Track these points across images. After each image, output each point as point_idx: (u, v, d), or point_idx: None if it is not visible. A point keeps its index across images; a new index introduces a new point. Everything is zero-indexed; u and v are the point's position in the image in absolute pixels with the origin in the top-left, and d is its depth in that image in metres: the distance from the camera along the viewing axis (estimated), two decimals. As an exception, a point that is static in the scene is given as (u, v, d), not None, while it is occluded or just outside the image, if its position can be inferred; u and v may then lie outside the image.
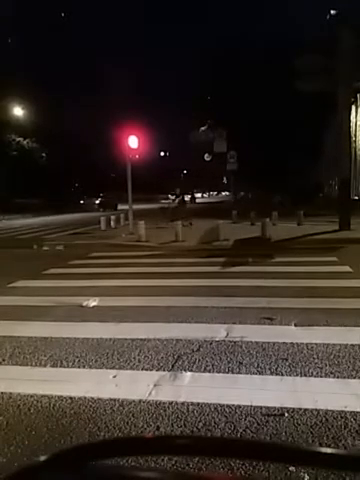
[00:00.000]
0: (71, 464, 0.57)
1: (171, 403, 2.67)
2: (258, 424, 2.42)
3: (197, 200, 57.78)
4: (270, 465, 2.01)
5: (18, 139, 34.61)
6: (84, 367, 3.35)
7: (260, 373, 3.09)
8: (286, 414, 2.49)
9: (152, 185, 51.95)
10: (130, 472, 0.60)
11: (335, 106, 11.75)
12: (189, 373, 3.14)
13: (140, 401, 2.72)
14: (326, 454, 0.54)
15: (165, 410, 2.60)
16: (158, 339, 3.84)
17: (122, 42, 68.20)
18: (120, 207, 32.34)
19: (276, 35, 35.14)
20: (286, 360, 3.28)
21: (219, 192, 76.26)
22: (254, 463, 2.03)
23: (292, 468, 1.97)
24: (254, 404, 2.60)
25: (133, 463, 1.71)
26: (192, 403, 2.66)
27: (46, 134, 34.54)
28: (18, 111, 31.41)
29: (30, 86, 31.72)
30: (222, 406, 2.61)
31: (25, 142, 35.24)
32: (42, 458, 0.57)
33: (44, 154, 37.79)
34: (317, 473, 1.94)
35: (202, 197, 65.41)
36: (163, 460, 2.05)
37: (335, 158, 12.73)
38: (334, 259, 7.76)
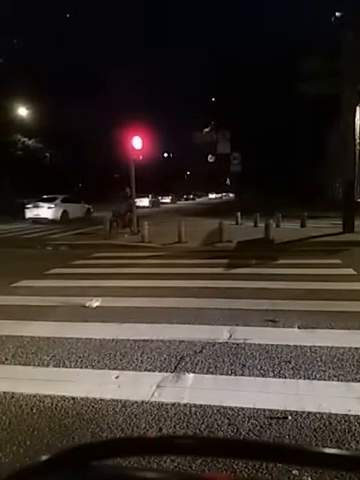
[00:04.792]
0: (72, 464, 0.57)
1: (174, 405, 2.66)
2: (261, 427, 2.40)
3: (199, 200, 58.32)
4: (273, 468, 2.00)
5: (23, 139, 34.71)
6: (86, 367, 3.34)
7: (263, 376, 3.08)
8: (289, 417, 2.47)
9: (156, 186, 52.02)
10: (131, 472, 0.60)
11: (339, 108, 11.71)
12: (192, 375, 3.13)
13: (142, 402, 2.71)
14: (330, 455, 0.54)
15: (168, 412, 2.60)
16: (161, 340, 3.83)
17: (126, 43, 68.41)
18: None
19: (279, 37, 35.12)
20: (289, 363, 3.27)
21: (226, 192, 77.74)
22: (257, 466, 2.01)
23: (295, 471, 1.96)
24: (257, 407, 2.59)
25: (135, 464, 1.71)
26: (195, 405, 2.65)
27: (50, 134, 34.63)
28: (23, 111, 31.53)
29: (34, 86, 31.84)
30: (225, 408, 2.60)
31: (30, 142, 35.33)
32: (43, 458, 0.57)
33: (48, 154, 37.90)
34: (321, 477, 1.93)
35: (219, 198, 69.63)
36: (166, 461, 2.04)
37: (339, 160, 12.69)
38: (338, 261, 7.74)
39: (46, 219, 18.85)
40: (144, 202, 34.86)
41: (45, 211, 19.06)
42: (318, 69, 11.25)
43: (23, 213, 19.66)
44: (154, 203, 37.08)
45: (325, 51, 11.88)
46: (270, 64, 34.74)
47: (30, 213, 19.47)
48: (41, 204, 19.35)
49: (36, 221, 18.88)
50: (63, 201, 19.87)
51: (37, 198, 20.42)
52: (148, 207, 34.39)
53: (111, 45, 51.68)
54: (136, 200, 23.64)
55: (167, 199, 44.94)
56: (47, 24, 39.18)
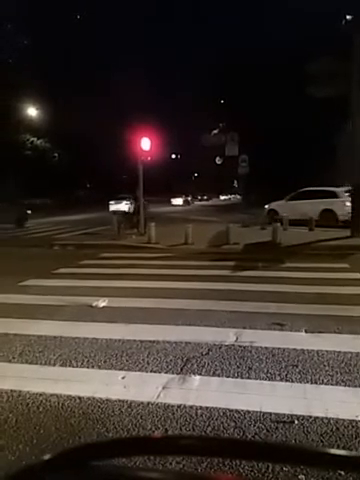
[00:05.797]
0: (74, 463, 0.57)
1: (180, 406, 2.66)
2: (267, 431, 2.39)
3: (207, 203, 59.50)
4: (279, 472, 1.98)
5: (32, 139, 34.96)
6: (93, 367, 3.35)
7: (270, 379, 3.06)
8: (296, 421, 2.46)
9: (165, 187, 52.58)
10: (132, 472, 0.60)
11: (348, 110, 11.63)
12: (198, 377, 3.12)
13: (148, 403, 2.71)
14: (335, 456, 0.54)
15: (173, 413, 2.59)
16: (167, 341, 3.83)
17: (135, 44, 68.60)
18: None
19: (288, 39, 34.95)
20: (296, 367, 3.25)
21: (233, 194, 78.08)
22: (263, 470, 2.00)
23: (302, 476, 1.94)
24: (263, 410, 2.58)
25: (140, 464, 1.71)
26: (201, 407, 2.65)
27: (59, 134, 34.84)
28: (32, 111, 31.78)
29: (44, 86, 32.07)
30: (231, 411, 2.59)
31: (38, 142, 35.57)
32: (45, 457, 0.57)
33: (56, 154, 38.13)
34: (328, 483, 1.92)
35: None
36: (171, 463, 2.04)
37: (348, 163, 12.59)
38: (345, 266, 7.68)
39: (124, 211, 23.89)
40: (179, 201, 45.35)
41: (123, 206, 26.30)
42: (327, 71, 11.19)
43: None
44: (185, 202, 46.50)
45: (335, 53, 11.79)
46: (279, 66, 34.61)
47: (113, 207, 27.67)
48: (120, 201, 27.85)
49: (116, 213, 24.04)
50: (133, 199, 26.11)
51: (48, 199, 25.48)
52: (182, 205, 43.42)
53: (120, 46, 51.98)
54: (172, 199, 29.54)
55: (189, 199, 52.66)
56: (57, 25, 39.37)
